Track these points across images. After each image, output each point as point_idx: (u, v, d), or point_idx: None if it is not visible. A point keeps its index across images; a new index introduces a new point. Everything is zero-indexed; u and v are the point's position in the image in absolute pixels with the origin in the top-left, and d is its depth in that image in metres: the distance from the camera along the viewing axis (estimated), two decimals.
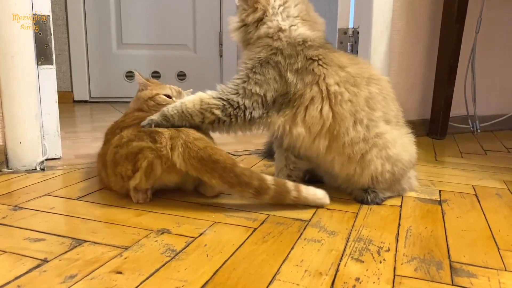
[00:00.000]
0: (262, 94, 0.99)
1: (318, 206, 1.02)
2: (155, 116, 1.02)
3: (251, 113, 0.99)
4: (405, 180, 1.12)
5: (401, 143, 1.05)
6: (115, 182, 1.02)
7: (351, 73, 1.01)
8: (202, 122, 1.00)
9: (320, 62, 1.00)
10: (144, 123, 1.01)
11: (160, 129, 0.98)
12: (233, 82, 1.02)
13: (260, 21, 1.05)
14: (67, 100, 2.83)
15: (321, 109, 0.99)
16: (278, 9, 1.04)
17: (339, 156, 1.01)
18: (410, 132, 1.10)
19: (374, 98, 1.02)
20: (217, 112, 0.99)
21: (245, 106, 0.99)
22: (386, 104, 1.05)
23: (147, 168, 0.96)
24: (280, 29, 1.02)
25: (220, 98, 0.99)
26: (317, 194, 1.01)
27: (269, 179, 0.97)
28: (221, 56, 3.04)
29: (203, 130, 1.03)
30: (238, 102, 0.99)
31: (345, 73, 1.01)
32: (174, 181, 1.02)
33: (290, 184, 0.99)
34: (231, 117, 0.99)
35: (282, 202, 0.99)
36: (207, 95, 1.01)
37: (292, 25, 1.03)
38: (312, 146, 1.01)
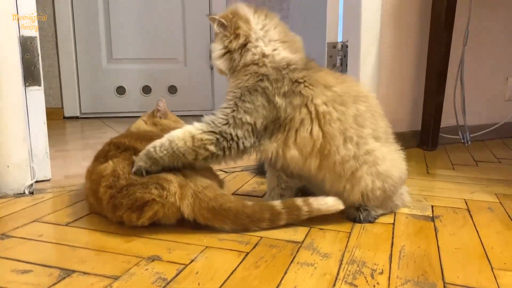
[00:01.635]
0: (252, 123, 0.98)
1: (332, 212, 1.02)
2: (141, 162, 0.97)
3: (243, 143, 0.98)
4: (397, 196, 1.12)
5: (390, 159, 1.05)
6: (111, 216, 0.99)
7: (338, 92, 1.01)
8: (195, 159, 0.98)
9: (306, 84, 0.99)
10: (133, 170, 0.97)
11: (168, 177, 0.95)
12: (222, 111, 1.00)
13: (243, 47, 1.04)
14: (57, 117, 2.81)
15: (311, 130, 0.98)
16: (260, 33, 1.04)
17: (330, 173, 1.01)
18: (400, 148, 1.10)
19: (362, 115, 1.02)
20: (211, 147, 0.97)
21: (237, 137, 0.97)
22: (375, 121, 1.05)
23: (152, 216, 0.95)
24: (264, 55, 1.02)
25: (212, 132, 0.97)
26: (328, 202, 1.01)
27: (278, 204, 1.00)
28: (211, 68, 3.04)
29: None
30: (231, 134, 0.97)
31: (331, 92, 1.01)
32: (170, 222, 1.00)
33: (298, 201, 1.00)
34: (224, 150, 0.98)
35: (298, 220, 1.00)
36: (197, 130, 0.98)
37: (274, 49, 1.03)
38: (304, 166, 1.01)
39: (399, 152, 1.09)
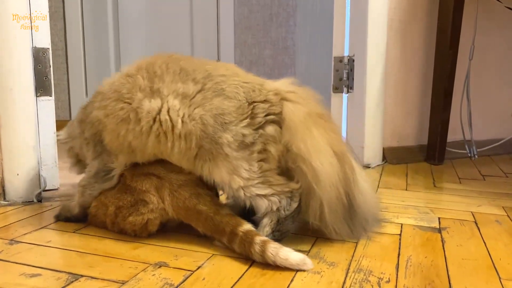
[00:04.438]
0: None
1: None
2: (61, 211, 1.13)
3: None
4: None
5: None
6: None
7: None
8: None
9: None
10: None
11: (144, 187, 0.96)
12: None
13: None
14: None
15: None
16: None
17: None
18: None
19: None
20: None
21: None
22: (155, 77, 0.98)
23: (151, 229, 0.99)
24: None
25: None
26: (289, 259, 0.82)
27: (245, 227, 0.88)
28: None
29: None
30: None
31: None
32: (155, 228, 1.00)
33: (259, 238, 0.85)
34: None
35: (247, 254, 0.86)
36: None
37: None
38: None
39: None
